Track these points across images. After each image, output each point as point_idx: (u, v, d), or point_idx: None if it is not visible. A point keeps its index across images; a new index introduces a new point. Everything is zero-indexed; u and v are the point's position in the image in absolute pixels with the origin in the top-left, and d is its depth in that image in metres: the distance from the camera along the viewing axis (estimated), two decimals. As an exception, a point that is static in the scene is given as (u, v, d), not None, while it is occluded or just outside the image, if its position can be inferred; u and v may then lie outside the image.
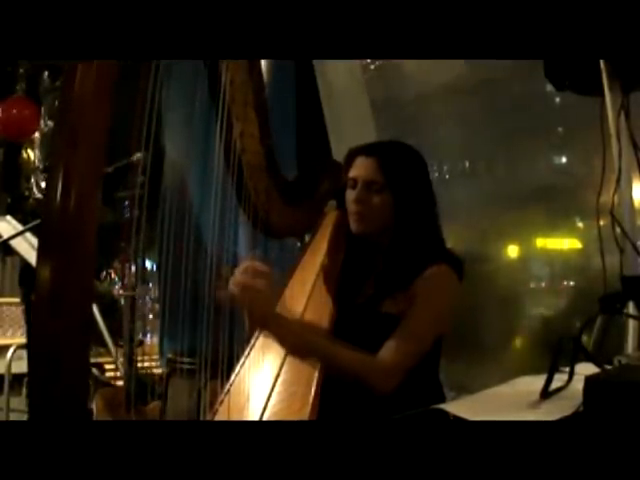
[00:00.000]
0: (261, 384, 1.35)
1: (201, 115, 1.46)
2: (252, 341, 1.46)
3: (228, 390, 1.36)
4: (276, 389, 1.33)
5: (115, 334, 2.78)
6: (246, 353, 1.44)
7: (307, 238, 1.71)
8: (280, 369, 1.37)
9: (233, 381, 1.38)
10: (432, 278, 1.50)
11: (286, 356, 1.40)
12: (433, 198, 1.60)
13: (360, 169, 1.56)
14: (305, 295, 1.53)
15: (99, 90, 0.81)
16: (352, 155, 1.60)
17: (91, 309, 0.85)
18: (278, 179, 1.53)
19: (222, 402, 1.34)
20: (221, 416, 1.31)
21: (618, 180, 1.76)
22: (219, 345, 1.36)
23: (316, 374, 1.34)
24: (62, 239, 0.79)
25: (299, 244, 1.71)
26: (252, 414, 1.28)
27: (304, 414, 1.24)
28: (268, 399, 1.30)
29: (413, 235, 1.54)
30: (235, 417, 1.29)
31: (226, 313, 1.40)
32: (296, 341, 1.43)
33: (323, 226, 1.68)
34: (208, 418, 1.33)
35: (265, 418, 1.26)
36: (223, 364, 1.38)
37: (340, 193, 1.67)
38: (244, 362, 1.42)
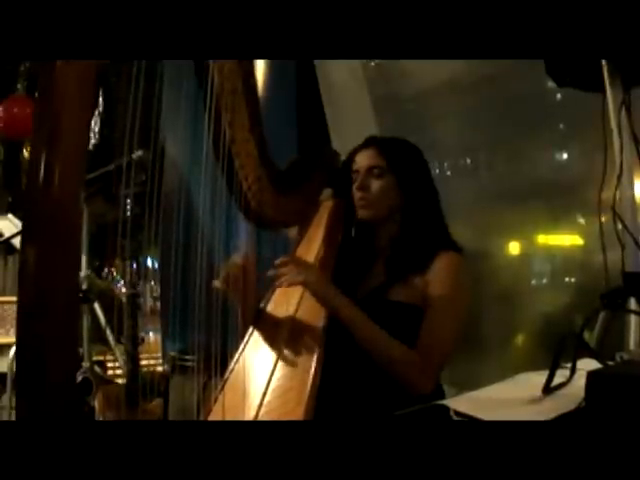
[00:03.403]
0: (256, 380, 1.34)
1: (191, 106, 1.44)
2: (246, 338, 1.45)
3: (222, 387, 1.35)
4: (272, 385, 1.31)
5: (116, 332, 2.79)
6: (240, 349, 1.43)
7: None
8: (275, 365, 1.36)
9: (228, 378, 1.37)
10: (449, 267, 1.52)
11: (281, 352, 1.38)
12: (434, 186, 1.63)
13: (361, 160, 1.62)
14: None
15: (79, 81, 0.79)
16: (353, 153, 1.65)
17: (77, 307, 0.84)
18: (270, 168, 1.51)
19: (217, 400, 1.33)
20: (216, 413, 1.30)
21: (619, 176, 1.76)
22: (221, 343, 1.36)
23: (312, 369, 1.32)
24: (45, 238, 0.77)
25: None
26: (248, 411, 1.27)
27: (300, 410, 1.23)
28: (264, 395, 1.29)
29: (420, 218, 1.57)
30: (231, 414, 1.28)
31: (227, 310, 1.40)
32: (355, 318, 1.43)
33: (319, 215, 1.68)
34: (203, 416, 1.32)
35: (261, 414, 1.25)
36: (225, 362, 1.38)
37: (336, 181, 1.68)
38: (238, 359, 1.41)
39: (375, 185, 1.58)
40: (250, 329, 1.47)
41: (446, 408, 0.92)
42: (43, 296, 0.76)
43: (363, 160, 1.61)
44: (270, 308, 1.52)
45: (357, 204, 1.59)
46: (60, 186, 0.77)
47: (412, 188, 1.58)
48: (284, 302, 1.50)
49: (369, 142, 1.63)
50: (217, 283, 1.44)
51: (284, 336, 1.42)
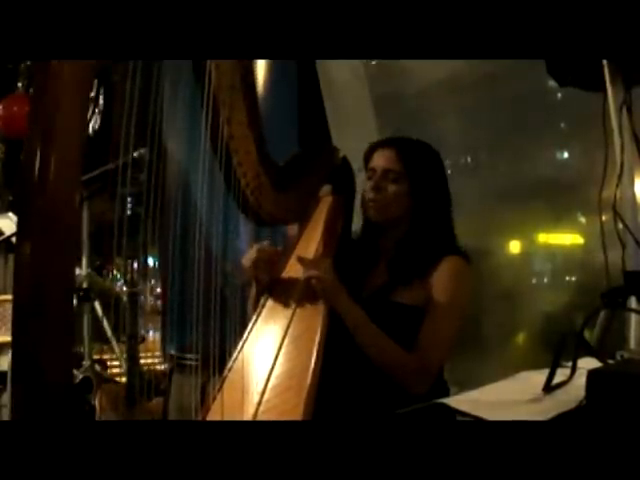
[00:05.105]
0: (255, 379, 1.33)
1: (188, 102, 1.43)
2: (245, 335, 1.45)
3: (222, 385, 1.34)
4: (271, 383, 1.30)
5: (117, 330, 2.79)
6: (239, 347, 1.42)
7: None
8: (275, 363, 1.35)
9: (227, 376, 1.36)
10: (452, 271, 1.52)
11: (281, 350, 1.38)
12: (448, 193, 1.63)
13: (379, 160, 1.60)
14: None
15: (74, 80, 0.79)
16: (371, 149, 1.63)
17: (73, 305, 0.83)
18: (269, 165, 1.49)
19: (215, 398, 1.32)
20: (215, 412, 1.29)
21: (620, 175, 1.76)
22: (220, 341, 1.36)
23: (312, 368, 1.30)
24: (40, 235, 0.76)
25: None
26: (246, 409, 1.26)
27: (299, 409, 1.22)
28: (263, 394, 1.28)
29: (429, 224, 1.57)
30: (229, 412, 1.27)
31: (226, 308, 1.40)
32: (359, 320, 1.44)
33: (318, 211, 1.67)
34: (201, 414, 1.31)
35: (260, 413, 1.24)
36: (224, 360, 1.37)
37: (335, 177, 1.67)
38: (237, 357, 1.40)
39: (389, 189, 1.56)
40: (249, 327, 1.47)
41: (447, 406, 0.92)
42: (38, 294, 0.75)
43: (380, 161, 1.59)
44: (269, 306, 1.52)
45: (368, 204, 1.58)
46: (55, 184, 0.76)
47: (424, 196, 1.57)
48: (284, 301, 1.49)
49: (389, 142, 1.61)
50: (246, 260, 1.49)
51: (283, 334, 1.41)
